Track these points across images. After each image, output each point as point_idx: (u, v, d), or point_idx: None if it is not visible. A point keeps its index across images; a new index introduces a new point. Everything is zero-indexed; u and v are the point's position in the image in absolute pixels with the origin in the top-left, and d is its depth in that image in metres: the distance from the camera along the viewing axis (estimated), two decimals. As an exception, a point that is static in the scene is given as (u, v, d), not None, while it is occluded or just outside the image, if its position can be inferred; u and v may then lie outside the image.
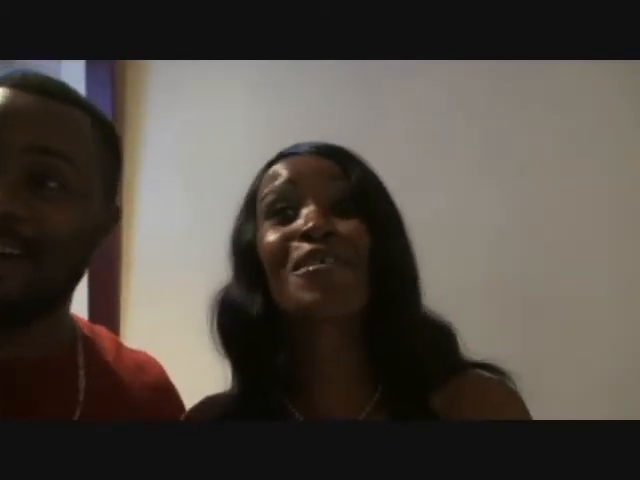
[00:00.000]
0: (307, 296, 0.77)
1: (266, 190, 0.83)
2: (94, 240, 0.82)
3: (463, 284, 1.44)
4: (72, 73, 1.61)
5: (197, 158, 1.64)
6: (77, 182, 0.76)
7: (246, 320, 0.83)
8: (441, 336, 0.87)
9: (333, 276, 0.77)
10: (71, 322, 0.85)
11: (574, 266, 1.40)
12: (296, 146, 0.87)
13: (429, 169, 1.49)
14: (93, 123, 0.81)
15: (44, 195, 0.74)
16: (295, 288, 0.78)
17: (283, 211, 0.82)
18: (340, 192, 0.81)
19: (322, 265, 0.77)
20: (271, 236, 0.81)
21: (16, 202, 0.71)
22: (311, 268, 0.77)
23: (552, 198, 1.43)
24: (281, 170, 0.84)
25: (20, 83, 0.77)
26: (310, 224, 0.77)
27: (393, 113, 1.51)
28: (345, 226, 0.79)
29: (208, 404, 0.91)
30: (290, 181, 0.82)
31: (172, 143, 1.65)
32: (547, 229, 1.44)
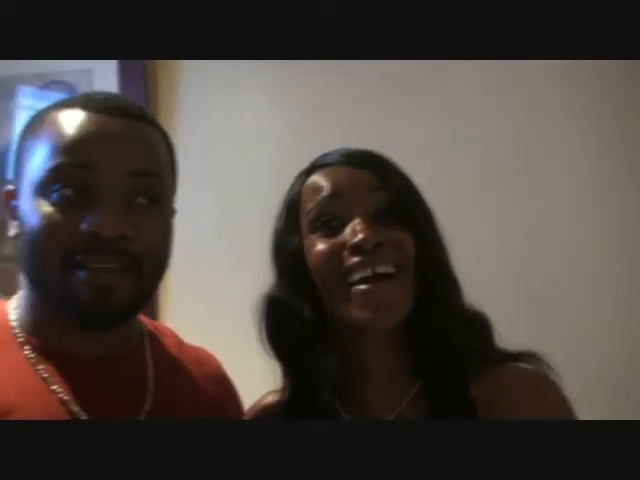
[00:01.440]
0: (361, 315, 0.82)
1: (310, 205, 0.88)
2: (172, 247, 0.89)
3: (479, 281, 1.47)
4: (105, 75, 1.63)
5: (229, 161, 1.65)
6: (163, 195, 0.85)
7: (295, 325, 0.88)
8: (478, 328, 0.90)
9: (383, 295, 0.82)
10: (138, 321, 0.93)
11: (588, 264, 1.44)
12: (328, 155, 0.92)
13: (442, 169, 1.53)
14: (161, 136, 0.88)
15: (140, 212, 0.81)
16: (349, 304, 0.83)
17: (328, 223, 0.86)
18: (381, 203, 0.86)
19: (372, 285, 0.82)
20: (320, 248, 0.85)
21: (124, 223, 0.78)
22: (363, 287, 0.82)
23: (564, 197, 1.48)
24: (321, 182, 0.88)
25: (104, 107, 0.82)
26: (360, 236, 0.82)
27: (414, 115, 1.56)
28: (391, 235, 0.84)
29: (265, 401, 0.96)
30: (333, 195, 0.86)
31: (204, 146, 1.66)
32: (560, 227, 1.48)
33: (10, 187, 0.85)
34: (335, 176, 0.88)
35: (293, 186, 0.93)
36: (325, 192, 0.87)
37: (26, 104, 1.68)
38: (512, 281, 1.47)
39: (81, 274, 0.78)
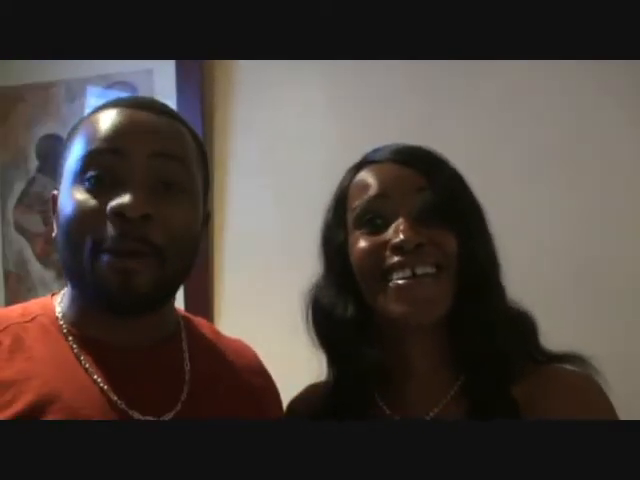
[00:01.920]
0: (397, 308, 0.84)
1: (357, 202, 0.89)
2: (199, 240, 0.90)
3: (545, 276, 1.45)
4: (164, 75, 1.70)
5: (284, 162, 1.68)
6: (190, 183, 0.86)
7: (339, 319, 0.90)
8: (522, 327, 0.89)
9: (422, 290, 0.83)
10: (175, 313, 0.94)
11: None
12: (378, 151, 0.93)
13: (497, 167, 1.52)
14: (192, 136, 0.90)
15: (167, 197, 0.83)
16: (387, 299, 0.84)
17: (372, 221, 0.87)
18: (426, 203, 0.86)
19: (411, 280, 0.83)
20: (363, 245, 0.87)
21: (149, 204, 0.80)
22: (401, 282, 0.83)
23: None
24: (369, 180, 0.89)
25: (133, 103, 0.87)
26: (401, 236, 0.83)
27: (459, 113, 1.55)
28: (433, 235, 0.84)
29: (310, 392, 0.99)
30: (379, 195, 0.87)
31: (260, 148, 1.69)
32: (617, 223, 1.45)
33: (55, 191, 0.89)
34: (382, 174, 0.88)
35: (343, 181, 0.94)
36: (371, 191, 0.88)
37: (93, 103, 1.75)
38: (574, 280, 1.46)
39: (105, 258, 0.79)
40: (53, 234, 0.88)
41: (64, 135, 1.77)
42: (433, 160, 0.91)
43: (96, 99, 1.76)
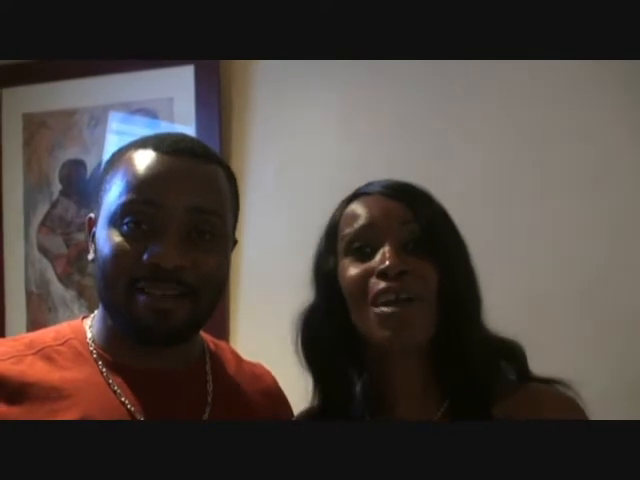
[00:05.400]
0: (381, 333, 0.89)
1: (347, 230, 0.95)
2: (228, 274, 0.96)
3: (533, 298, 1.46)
4: (183, 103, 1.75)
5: (299, 183, 1.71)
6: (223, 230, 0.91)
7: (327, 341, 0.96)
8: (503, 354, 0.95)
9: (403, 316, 0.88)
10: (200, 338, 0.99)
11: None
12: (369, 185, 0.99)
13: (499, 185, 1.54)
14: (226, 175, 0.95)
15: (199, 245, 0.88)
16: (372, 324, 0.90)
17: (361, 249, 0.93)
18: (411, 234, 0.91)
19: (393, 307, 0.88)
20: (352, 271, 0.92)
21: (182, 256, 0.85)
22: (385, 309, 0.89)
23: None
24: (359, 211, 0.95)
25: (174, 149, 0.90)
26: (386, 263, 0.88)
27: (474, 132, 1.57)
28: (416, 265, 0.90)
29: (304, 417, 1.02)
30: (367, 225, 0.93)
31: (275, 170, 1.73)
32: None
33: (92, 215, 0.95)
34: (371, 206, 0.94)
35: (335, 211, 1.00)
36: (361, 221, 0.93)
37: (115, 128, 1.82)
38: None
39: (142, 298, 0.85)
40: (90, 256, 0.93)
41: (87, 160, 1.85)
42: (420, 196, 0.96)
43: (118, 125, 1.82)
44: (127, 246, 0.86)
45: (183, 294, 0.86)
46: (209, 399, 0.92)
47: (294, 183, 1.71)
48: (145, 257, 0.85)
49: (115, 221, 0.88)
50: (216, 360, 0.99)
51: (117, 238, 0.87)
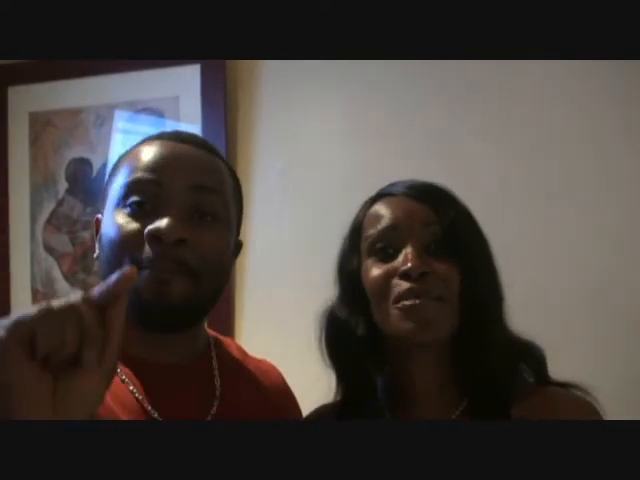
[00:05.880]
0: (404, 326, 0.90)
1: (371, 231, 0.96)
2: (230, 266, 0.96)
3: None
4: (189, 102, 1.75)
5: (304, 185, 1.72)
6: (224, 212, 0.92)
7: (350, 339, 0.97)
8: (523, 356, 0.95)
9: (425, 311, 0.90)
10: (205, 333, 1.00)
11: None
12: (393, 186, 0.99)
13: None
14: (228, 170, 0.97)
15: (202, 224, 0.89)
16: (394, 319, 0.91)
17: (384, 250, 0.94)
18: (434, 236, 0.93)
19: (417, 301, 0.89)
20: (374, 272, 0.93)
21: (185, 229, 0.86)
22: (407, 303, 0.90)
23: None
24: (382, 212, 0.96)
25: (176, 137, 0.93)
26: (408, 265, 0.90)
27: (478, 134, 1.58)
28: (439, 266, 0.91)
29: (321, 412, 1.04)
30: (391, 226, 0.94)
31: (281, 171, 1.73)
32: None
33: (99, 215, 0.95)
34: (395, 207, 0.95)
35: (359, 212, 1.01)
36: (384, 222, 0.95)
37: (120, 127, 1.83)
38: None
39: (144, 273, 0.85)
40: (95, 254, 0.94)
41: (92, 159, 1.86)
42: (443, 197, 0.98)
43: (124, 124, 1.82)
44: (131, 224, 0.87)
45: (183, 271, 0.86)
46: (217, 393, 0.93)
47: (300, 182, 1.72)
48: (146, 230, 0.85)
49: (119, 203, 0.89)
50: (222, 355, 0.99)
51: (122, 219, 0.88)
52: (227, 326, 1.67)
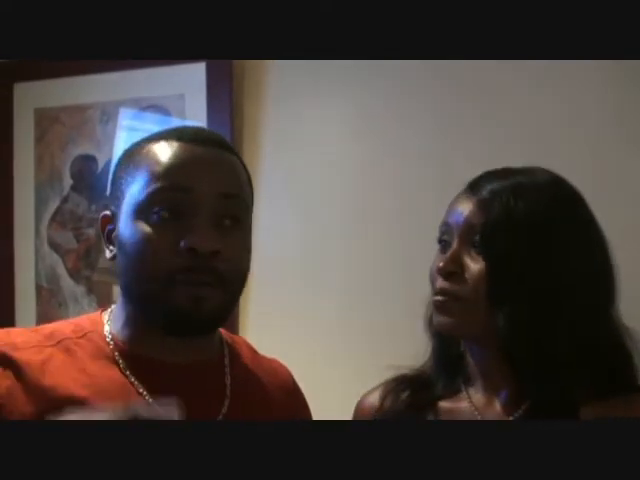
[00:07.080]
0: (437, 319, 0.99)
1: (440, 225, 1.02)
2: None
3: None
4: (195, 99, 1.75)
5: (311, 185, 1.70)
6: (246, 217, 0.93)
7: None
8: (605, 358, 0.93)
9: (445, 309, 0.97)
10: (219, 332, 1.00)
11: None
12: (474, 184, 1.00)
13: None
14: (241, 164, 0.96)
15: (228, 231, 0.89)
16: (434, 311, 0.99)
17: (444, 242, 1.00)
18: (477, 230, 0.95)
19: (443, 297, 0.97)
20: (434, 263, 1.00)
21: (219, 240, 0.87)
22: (436, 297, 0.98)
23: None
24: (449, 206, 1.01)
25: (194, 138, 0.92)
26: (440, 264, 0.96)
27: (480, 134, 1.55)
28: (470, 266, 0.94)
29: (369, 400, 1.07)
30: (444, 223, 1.00)
31: (287, 171, 1.72)
32: None
33: (107, 212, 0.94)
34: (453, 202, 1.00)
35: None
36: (445, 217, 1.00)
37: (126, 125, 1.82)
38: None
39: (181, 289, 0.86)
40: (108, 255, 0.93)
41: (98, 156, 1.85)
42: (495, 196, 0.97)
43: (129, 121, 1.82)
44: (158, 236, 0.86)
45: (216, 282, 0.87)
46: (227, 393, 0.94)
47: (305, 185, 1.71)
48: (182, 244, 0.85)
49: (142, 212, 0.88)
50: (233, 354, 1.00)
51: (147, 229, 0.87)
52: (232, 327, 1.66)
